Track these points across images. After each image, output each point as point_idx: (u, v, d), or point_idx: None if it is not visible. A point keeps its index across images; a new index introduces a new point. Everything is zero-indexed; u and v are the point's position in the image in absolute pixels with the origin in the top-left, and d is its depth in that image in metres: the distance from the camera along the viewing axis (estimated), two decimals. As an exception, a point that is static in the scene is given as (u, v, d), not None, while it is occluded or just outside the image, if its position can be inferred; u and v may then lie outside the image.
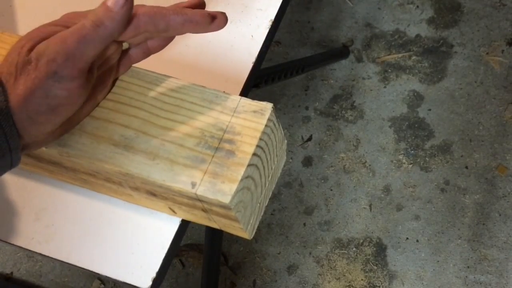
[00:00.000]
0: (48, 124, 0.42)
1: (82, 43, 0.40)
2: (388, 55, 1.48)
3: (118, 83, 0.49)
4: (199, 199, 0.45)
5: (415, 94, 1.43)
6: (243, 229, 0.49)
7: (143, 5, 0.44)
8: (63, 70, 0.40)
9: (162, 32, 0.45)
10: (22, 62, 0.40)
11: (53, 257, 0.55)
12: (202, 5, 0.47)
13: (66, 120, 0.45)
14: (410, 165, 1.35)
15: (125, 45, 0.47)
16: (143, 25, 0.43)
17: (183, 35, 0.47)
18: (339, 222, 1.32)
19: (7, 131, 0.40)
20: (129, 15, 0.41)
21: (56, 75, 0.40)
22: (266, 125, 0.46)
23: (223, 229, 0.52)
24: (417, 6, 1.53)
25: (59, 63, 0.40)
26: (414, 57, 1.47)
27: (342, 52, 1.49)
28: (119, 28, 0.41)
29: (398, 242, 1.28)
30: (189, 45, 0.64)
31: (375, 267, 1.27)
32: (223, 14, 0.45)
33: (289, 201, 1.35)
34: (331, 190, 1.35)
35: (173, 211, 0.52)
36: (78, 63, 0.40)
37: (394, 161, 1.36)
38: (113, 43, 0.45)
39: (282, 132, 0.50)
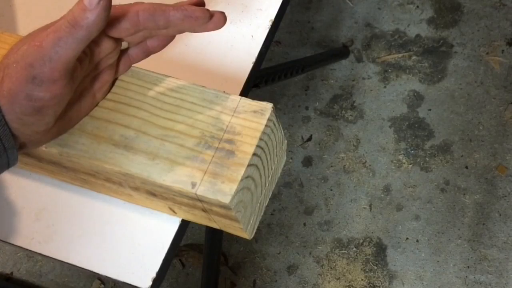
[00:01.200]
0: (38, 124, 0.42)
1: (58, 45, 0.38)
2: (388, 55, 1.48)
3: (118, 83, 0.49)
4: (199, 199, 0.45)
5: (415, 94, 1.43)
6: (243, 229, 0.49)
7: (142, 2, 0.44)
8: (42, 75, 0.39)
9: (162, 28, 0.44)
10: (7, 63, 0.40)
11: (53, 257, 0.54)
12: (201, 4, 0.47)
13: (64, 119, 0.45)
14: (410, 165, 1.35)
15: (124, 45, 0.47)
16: (143, 22, 0.43)
17: (183, 34, 0.47)
18: (339, 222, 1.31)
19: (0, 131, 0.40)
20: (107, 12, 0.39)
21: (35, 80, 0.39)
22: (266, 125, 0.46)
23: (223, 229, 0.52)
24: (417, 6, 1.53)
25: (36, 67, 0.39)
26: (414, 57, 1.47)
27: (342, 52, 1.49)
28: (97, 26, 0.39)
29: (398, 242, 1.28)
30: (189, 45, 0.64)
31: (375, 267, 1.27)
32: (222, 13, 0.45)
33: (289, 201, 1.35)
34: (331, 190, 1.35)
35: (173, 211, 0.52)
36: (57, 65, 0.39)
37: (394, 161, 1.36)
38: (109, 41, 0.44)
39: (282, 132, 0.50)
